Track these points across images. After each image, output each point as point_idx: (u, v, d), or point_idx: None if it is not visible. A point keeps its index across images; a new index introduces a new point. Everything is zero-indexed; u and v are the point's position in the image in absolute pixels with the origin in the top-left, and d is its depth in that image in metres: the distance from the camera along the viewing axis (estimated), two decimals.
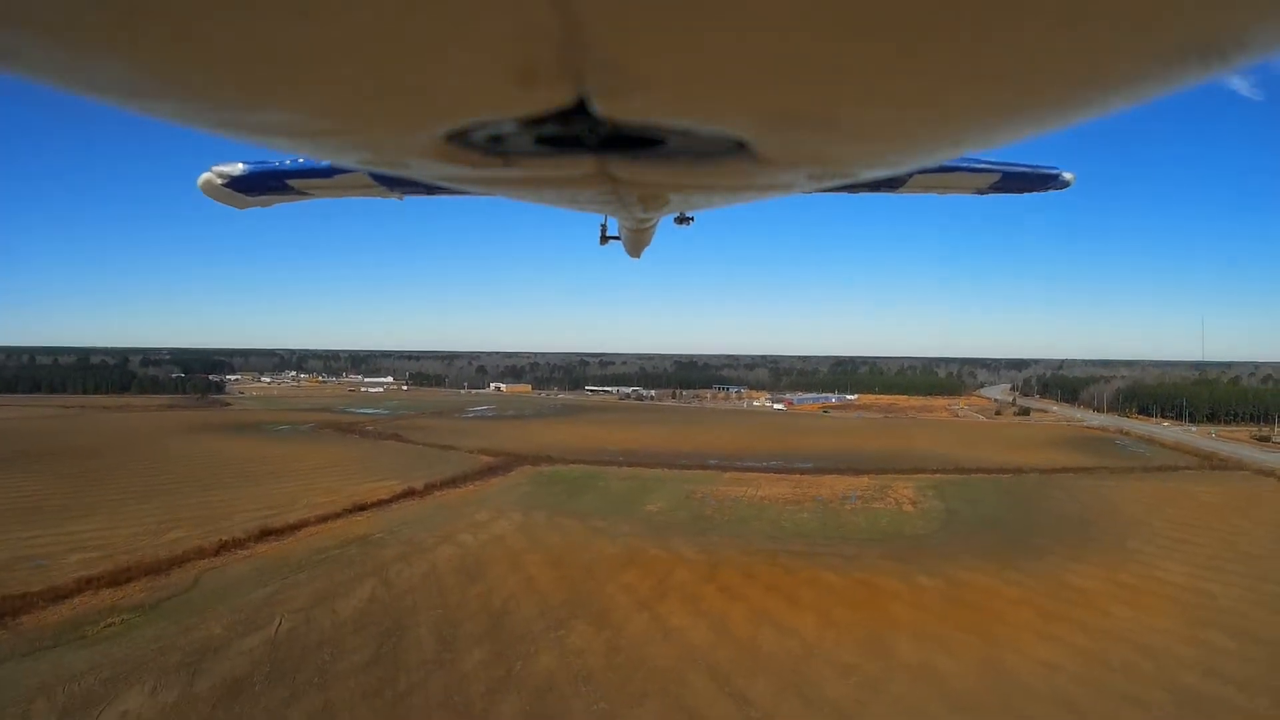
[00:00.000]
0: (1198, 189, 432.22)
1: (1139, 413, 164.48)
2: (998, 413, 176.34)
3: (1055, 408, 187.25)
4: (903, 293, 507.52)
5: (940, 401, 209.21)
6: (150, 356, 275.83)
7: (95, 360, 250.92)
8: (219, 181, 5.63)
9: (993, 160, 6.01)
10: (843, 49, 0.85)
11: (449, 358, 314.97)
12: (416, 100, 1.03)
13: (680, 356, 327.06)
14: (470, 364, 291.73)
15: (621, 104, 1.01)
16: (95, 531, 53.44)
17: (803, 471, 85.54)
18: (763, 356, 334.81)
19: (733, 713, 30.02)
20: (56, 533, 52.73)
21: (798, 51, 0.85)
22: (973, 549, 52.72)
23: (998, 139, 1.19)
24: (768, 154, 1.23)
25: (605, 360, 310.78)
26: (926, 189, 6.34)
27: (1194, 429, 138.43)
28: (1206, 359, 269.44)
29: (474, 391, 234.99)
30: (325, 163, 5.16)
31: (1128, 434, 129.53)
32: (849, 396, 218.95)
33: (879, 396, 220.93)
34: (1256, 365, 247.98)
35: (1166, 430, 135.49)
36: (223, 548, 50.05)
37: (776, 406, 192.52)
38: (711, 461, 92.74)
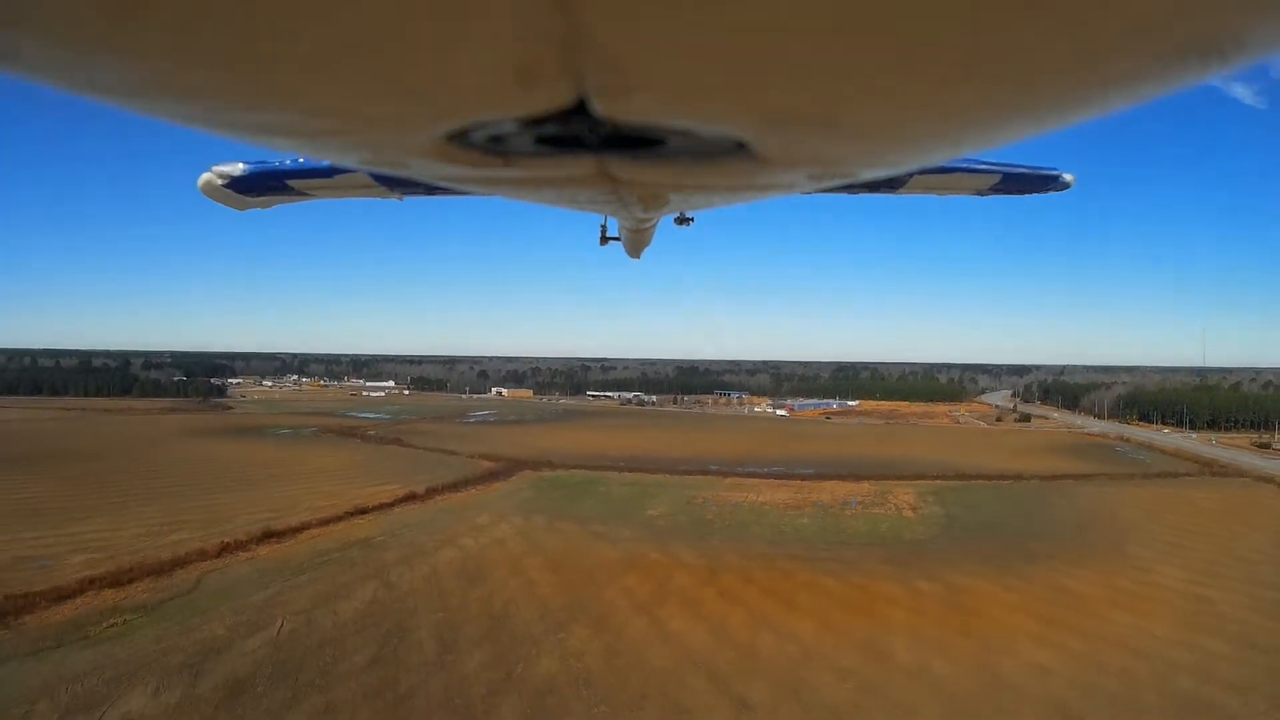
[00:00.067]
0: (1199, 194, 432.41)
1: (1140, 419, 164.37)
2: (999, 419, 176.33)
3: (1056, 414, 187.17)
4: (904, 298, 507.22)
5: (941, 408, 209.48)
6: (152, 359, 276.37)
7: (97, 363, 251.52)
8: (219, 182, 5.66)
9: (993, 161, 6.07)
10: (843, 49, 0.85)
11: (450, 362, 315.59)
12: (417, 100, 1.03)
13: (682, 362, 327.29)
14: (472, 369, 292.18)
15: (621, 104, 1.01)
16: (98, 533, 53.71)
17: (803, 477, 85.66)
18: (764, 362, 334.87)
19: (731, 715, 30.23)
20: (59, 533, 53.02)
21: (798, 51, 0.85)
22: (971, 554, 52.88)
23: (998, 139, 1.20)
24: (768, 154, 1.24)
25: (607, 365, 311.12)
26: (927, 190, 6.39)
27: (1194, 435, 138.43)
28: (1208, 365, 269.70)
29: (475, 396, 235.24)
30: (325, 163, 5.17)
31: (1128, 440, 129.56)
32: (850, 402, 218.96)
33: (880, 402, 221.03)
34: (1258, 371, 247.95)
35: (1166, 437, 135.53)
36: (225, 549, 50.30)
37: (779, 412, 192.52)
38: (712, 467, 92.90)
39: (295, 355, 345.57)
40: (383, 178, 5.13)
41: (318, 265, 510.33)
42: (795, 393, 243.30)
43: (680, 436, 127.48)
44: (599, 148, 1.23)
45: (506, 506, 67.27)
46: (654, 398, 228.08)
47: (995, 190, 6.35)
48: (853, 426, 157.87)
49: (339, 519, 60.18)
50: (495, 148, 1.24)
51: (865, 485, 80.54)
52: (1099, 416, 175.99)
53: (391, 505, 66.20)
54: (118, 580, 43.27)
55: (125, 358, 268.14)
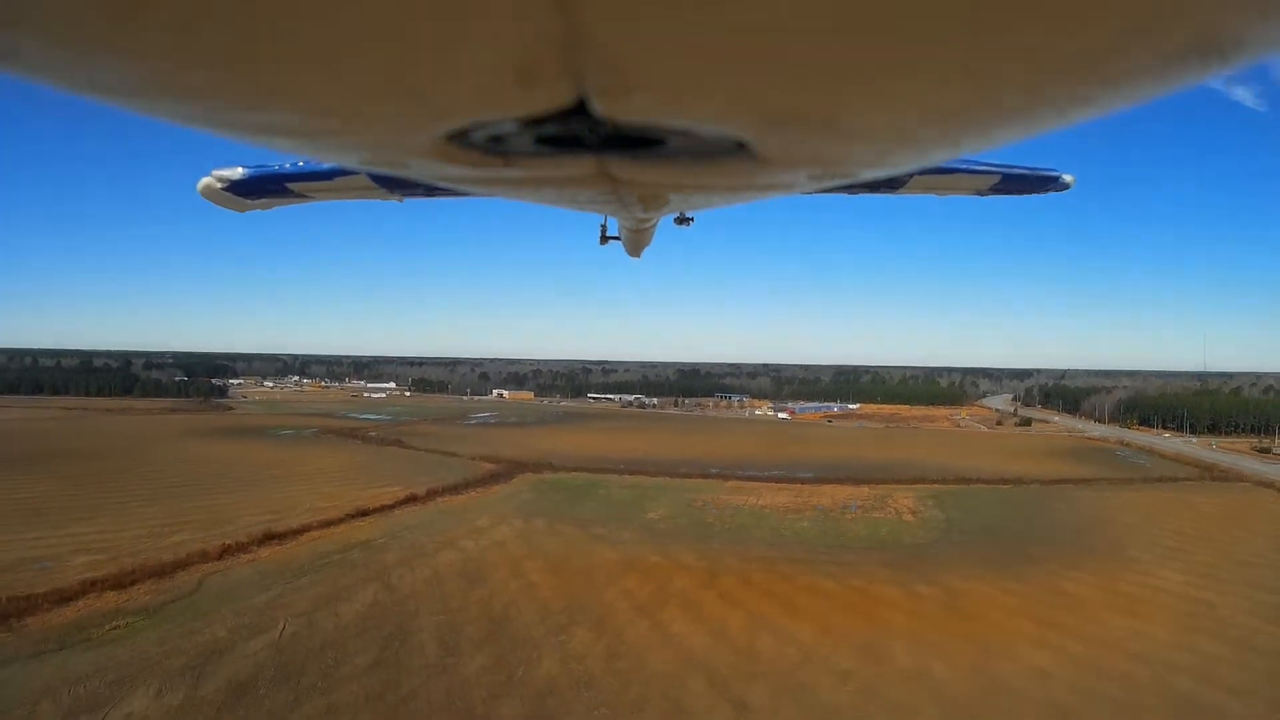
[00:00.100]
0: (1201, 198, 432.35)
1: (1140, 423, 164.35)
2: (999, 423, 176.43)
3: (1057, 418, 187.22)
4: (905, 301, 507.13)
5: (942, 411, 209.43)
6: (153, 360, 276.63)
7: (98, 363, 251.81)
8: (219, 185, 5.70)
9: (993, 162, 6.16)
10: (843, 49, 0.85)
11: (452, 364, 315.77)
12: (418, 100, 1.04)
13: (683, 364, 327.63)
14: (473, 370, 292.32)
15: (621, 104, 1.01)
16: (99, 534, 53.79)
17: (804, 480, 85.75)
18: (765, 365, 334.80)
19: (731, 717, 30.33)
20: (60, 535, 53.11)
21: (798, 51, 0.85)
22: (971, 558, 52.96)
23: (998, 139, 1.21)
24: (768, 154, 1.24)
25: (608, 368, 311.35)
26: (927, 190, 6.48)
27: (1194, 440, 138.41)
28: (1208, 369, 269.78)
29: (476, 398, 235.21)
30: (324, 165, 5.21)
31: (1128, 445, 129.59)
32: (851, 406, 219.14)
33: (881, 406, 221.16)
34: (1258, 375, 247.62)
35: (1167, 441, 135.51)
36: (226, 551, 50.41)
37: (780, 415, 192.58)
38: (713, 470, 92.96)
39: (296, 356, 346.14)
40: (382, 179, 5.13)
41: (319, 266, 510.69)
42: (796, 396, 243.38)
43: (681, 439, 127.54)
44: (599, 148, 1.23)
45: (507, 509, 67.37)
46: (655, 400, 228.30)
47: (995, 190, 6.42)
48: (853, 430, 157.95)
49: (340, 521, 60.28)
50: (495, 148, 1.25)
51: (865, 489, 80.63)
52: (1100, 420, 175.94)
53: (392, 507, 66.30)
54: (120, 582, 43.37)
55: (126, 358, 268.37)
